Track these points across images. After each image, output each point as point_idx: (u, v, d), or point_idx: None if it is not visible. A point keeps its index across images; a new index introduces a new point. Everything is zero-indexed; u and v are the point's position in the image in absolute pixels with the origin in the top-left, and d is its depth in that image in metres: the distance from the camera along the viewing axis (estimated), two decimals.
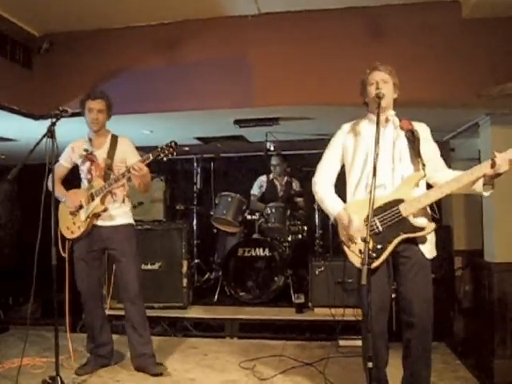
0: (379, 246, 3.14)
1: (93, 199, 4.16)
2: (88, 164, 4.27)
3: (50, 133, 3.68)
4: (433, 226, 3.17)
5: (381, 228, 3.15)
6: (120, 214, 4.28)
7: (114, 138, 4.32)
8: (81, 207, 4.20)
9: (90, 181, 4.25)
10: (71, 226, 4.23)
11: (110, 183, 4.12)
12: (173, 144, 3.95)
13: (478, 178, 3.07)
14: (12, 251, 8.25)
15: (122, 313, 4.48)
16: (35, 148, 3.63)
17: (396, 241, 3.15)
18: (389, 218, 3.16)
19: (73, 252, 4.27)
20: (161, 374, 4.26)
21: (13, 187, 8.41)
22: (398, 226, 3.15)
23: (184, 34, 4.97)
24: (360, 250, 2.88)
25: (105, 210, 4.18)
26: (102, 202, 4.17)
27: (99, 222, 4.23)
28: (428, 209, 3.24)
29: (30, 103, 5.04)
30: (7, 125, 5.43)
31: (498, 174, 3.01)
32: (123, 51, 5.10)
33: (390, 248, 3.15)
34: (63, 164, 4.41)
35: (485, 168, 3.03)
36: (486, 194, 3.14)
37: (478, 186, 3.11)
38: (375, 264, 3.13)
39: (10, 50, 4.86)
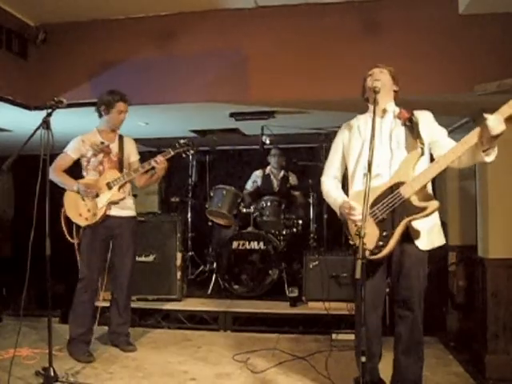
0: (385, 234, 3.10)
1: (110, 188, 4.41)
2: (101, 156, 4.49)
3: (46, 124, 3.67)
4: (436, 204, 3.05)
5: (384, 215, 3.12)
6: (128, 206, 4.62)
7: (121, 136, 4.63)
8: (97, 195, 4.40)
9: (101, 172, 4.48)
10: (85, 213, 4.42)
11: (129, 174, 4.43)
12: (190, 143, 4.40)
13: (474, 144, 2.94)
14: (6, 242, 8.24)
15: None
16: (30, 139, 3.61)
17: (402, 224, 3.08)
18: (391, 203, 3.10)
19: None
20: (130, 351, 4.65)
21: (7, 178, 8.39)
22: (402, 210, 3.08)
23: (180, 26, 4.95)
24: (364, 243, 2.81)
25: (122, 199, 4.50)
26: (119, 190, 4.46)
27: (111, 212, 4.47)
28: (430, 189, 3.22)
29: (25, 93, 5.02)
30: (2, 115, 5.41)
31: (496, 136, 2.86)
32: (119, 42, 5.08)
33: (397, 233, 3.09)
34: (71, 155, 4.55)
35: (478, 133, 2.91)
36: (488, 159, 2.96)
37: (477, 154, 2.97)
38: (384, 252, 3.10)
39: (6, 40, 4.83)
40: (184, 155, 4.38)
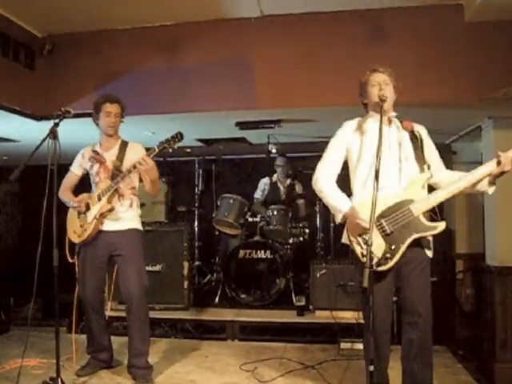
0: (393, 247, 3.13)
1: (99, 199, 4.12)
2: (97, 166, 4.25)
3: (53, 134, 3.67)
4: (444, 224, 3.15)
5: (392, 228, 3.15)
6: (127, 219, 4.22)
7: (124, 143, 4.31)
8: (88, 209, 4.17)
9: (97, 183, 4.23)
10: (78, 230, 4.21)
11: (116, 181, 4.07)
12: (178, 135, 3.91)
13: (483, 177, 3.15)
14: (14, 252, 8.26)
15: (122, 314, 4.46)
16: (37, 149, 3.63)
17: (409, 240, 3.14)
18: (400, 219, 3.15)
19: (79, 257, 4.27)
20: None
21: (15, 188, 8.42)
22: (410, 226, 3.15)
23: (186, 35, 4.97)
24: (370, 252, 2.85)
25: (111, 210, 4.13)
26: (109, 201, 4.12)
27: (106, 227, 4.18)
28: (430, 212, 3.25)
29: (32, 104, 5.03)
30: (9, 125, 5.43)
31: (503, 173, 3.11)
32: (126, 53, 5.10)
33: (403, 248, 3.14)
34: (74, 172, 4.41)
35: (491, 167, 3.12)
36: (490, 191, 3.25)
37: (482, 185, 3.22)
38: (390, 264, 3.15)
39: (13, 51, 4.86)
40: (171, 150, 3.92)
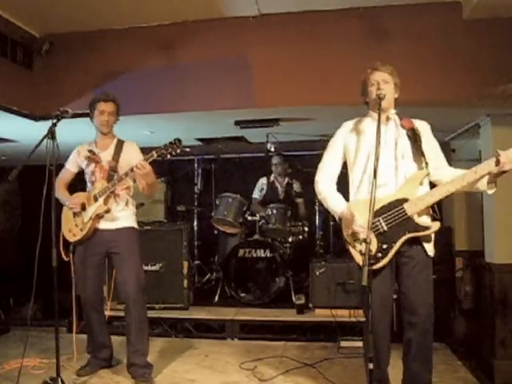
0: (385, 246, 3.14)
1: (96, 200, 4.11)
2: (92, 166, 4.23)
3: (51, 134, 3.67)
4: (438, 225, 3.15)
5: (385, 227, 3.15)
6: (123, 217, 4.22)
7: (120, 142, 4.30)
8: (84, 208, 4.16)
9: (93, 183, 4.22)
10: (73, 229, 4.20)
11: (113, 183, 4.06)
12: (176, 141, 3.85)
13: (482, 176, 3.08)
14: (13, 252, 8.24)
15: (122, 314, 4.43)
16: (36, 149, 3.62)
17: (402, 240, 3.14)
18: (393, 218, 3.15)
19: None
20: None
21: (13, 188, 8.41)
22: (404, 226, 3.14)
23: (185, 34, 4.97)
24: (361, 251, 2.87)
25: (108, 211, 4.12)
26: (105, 202, 4.11)
27: (101, 226, 4.17)
28: (430, 209, 3.23)
29: (30, 104, 5.03)
30: (7, 126, 5.42)
31: (503, 172, 3.03)
32: (124, 52, 5.09)
33: (396, 247, 3.15)
34: (69, 168, 4.39)
35: (489, 166, 3.04)
36: (490, 192, 3.17)
37: (482, 185, 3.13)
38: (381, 263, 3.16)
39: (11, 51, 4.86)
40: (169, 156, 3.87)
